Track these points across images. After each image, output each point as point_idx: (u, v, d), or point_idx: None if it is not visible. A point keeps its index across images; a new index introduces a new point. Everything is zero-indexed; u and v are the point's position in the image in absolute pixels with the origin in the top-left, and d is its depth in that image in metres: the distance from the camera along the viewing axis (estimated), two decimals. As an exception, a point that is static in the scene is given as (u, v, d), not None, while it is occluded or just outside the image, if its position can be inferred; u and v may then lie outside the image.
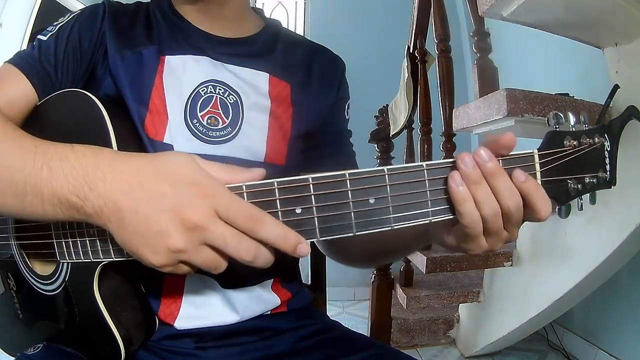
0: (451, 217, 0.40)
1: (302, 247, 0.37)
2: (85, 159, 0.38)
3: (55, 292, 0.53)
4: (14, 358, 0.60)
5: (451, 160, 0.39)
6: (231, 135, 0.58)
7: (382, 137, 1.88)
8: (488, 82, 1.61)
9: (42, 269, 0.55)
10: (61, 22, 0.58)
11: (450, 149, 1.69)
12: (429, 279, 1.87)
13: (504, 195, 0.39)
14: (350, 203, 0.38)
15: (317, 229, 0.38)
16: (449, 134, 1.68)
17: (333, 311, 2.44)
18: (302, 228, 0.38)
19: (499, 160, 0.39)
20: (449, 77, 1.70)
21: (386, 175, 0.38)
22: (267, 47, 0.65)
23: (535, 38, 1.80)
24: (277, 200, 0.38)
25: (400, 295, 1.78)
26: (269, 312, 0.64)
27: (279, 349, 0.61)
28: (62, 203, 0.38)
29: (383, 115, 2.04)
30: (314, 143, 0.67)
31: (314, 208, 0.38)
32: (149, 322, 0.56)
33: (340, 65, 0.71)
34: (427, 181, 0.39)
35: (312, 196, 0.38)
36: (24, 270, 0.57)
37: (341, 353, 0.59)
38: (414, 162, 1.73)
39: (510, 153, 0.40)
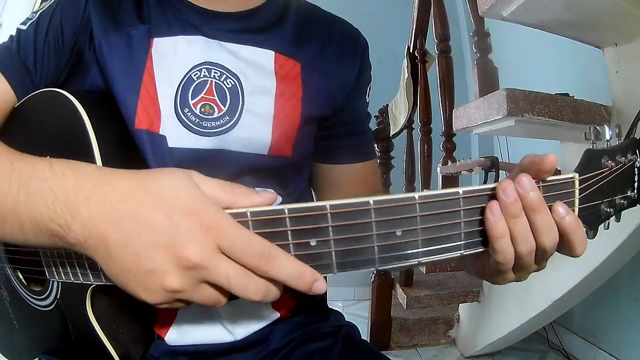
0: (483, 250, 0.36)
1: (318, 285, 0.32)
2: (65, 180, 0.33)
3: (48, 308, 0.50)
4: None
5: (491, 186, 0.35)
6: (229, 125, 0.52)
7: (382, 137, 1.88)
8: (488, 82, 1.61)
9: (33, 283, 0.53)
10: (42, 8, 0.52)
11: (450, 149, 1.70)
12: (429, 279, 1.87)
13: (542, 232, 0.35)
14: (374, 236, 0.33)
15: (334, 264, 0.33)
16: (449, 134, 1.68)
17: (333, 311, 2.44)
18: (316, 263, 0.33)
19: (540, 185, 0.35)
20: (449, 77, 1.70)
21: (417, 205, 0.33)
22: (273, 20, 0.57)
23: (535, 38, 1.80)
24: (289, 231, 0.33)
25: (400, 295, 1.78)
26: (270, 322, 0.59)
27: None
28: (43, 231, 0.34)
29: (383, 115, 2.04)
30: (329, 132, 0.60)
31: (332, 240, 0.33)
32: (146, 335, 0.53)
33: (361, 43, 0.62)
34: (462, 211, 0.34)
35: (330, 227, 0.32)
36: (15, 284, 0.54)
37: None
38: (414, 162, 1.73)
39: (551, 178, 0.36)
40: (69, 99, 0.45)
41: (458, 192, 0.34)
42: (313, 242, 0.33)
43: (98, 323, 0.46)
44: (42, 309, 0.51)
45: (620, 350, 1.56)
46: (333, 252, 0.33)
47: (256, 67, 0.54)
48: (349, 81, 0.59)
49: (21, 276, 0.54)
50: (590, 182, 0.37)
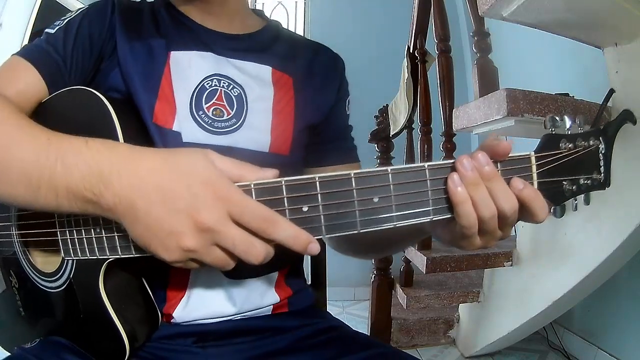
0: (450, 216, 0.41)
1: (312, 246, 0.38)
2: (100, 155, 0.38)
3: (59, 290, 0.53)
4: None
5: (452, 161, 0.40)
6: (236, 126, 0.60)
7: (382, 137, 1.88)
8: (488, 82, 1.61)
9: (46, 266, 0.55)
10: (69, 17, 0.59)
11: (450, 149, 1.69)
12: (429, 279, 1.87)
13: (500, 198, 0.40)
14: (356, 201, 0.39)
15: (323, 227, 0.39)
16: (449, 134, 1.67)
17: (333, 311, 2.43)
18: (308, 225, 0.39)
19: (497, 162, 0.40)
20: (449, 77, 1.69)
21: (389, 175, 0.39)
22: (269, 42, 0.67)
23: (535, 38, 1.80)
24: (285, 198, 0.39)
25: (400, 295, 1.78)
26: (270, 313, 0.64)
27: (279, 346, 0.61)
28: (77, 198, 0.39)
29: (383, 115, 2.04)
30: (317, 138, 0.68)
31: (320, 206, 0.39)
32: (153, 317, 0.57)
33: (340, 63, 0.73)
34: (428, 181, 0.40)
35: (319, 194, 0.39)
36: (27, 268, 0.57)
37: (343, 351, 0.59)
38: (414, 162, 1.74)
39: (509, 156, 0.41)
40: (96, 94, 0.50)
41: (424, 165, 0.40)
42: (305, 208, 0.39)
43: (109, 299, 0.50)
44: (52, 290, 0.54)
45: (620, 350, 1.56)
46: (322, 216, 0.39)
47: (257, 79, 0.63)
48: (332, 95, 0.70)
49: (32, 259, 0.57)
50: (547, 160, 0.41)
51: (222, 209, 0.36)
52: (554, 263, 1.38)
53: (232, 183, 0.38)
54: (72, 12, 0.60)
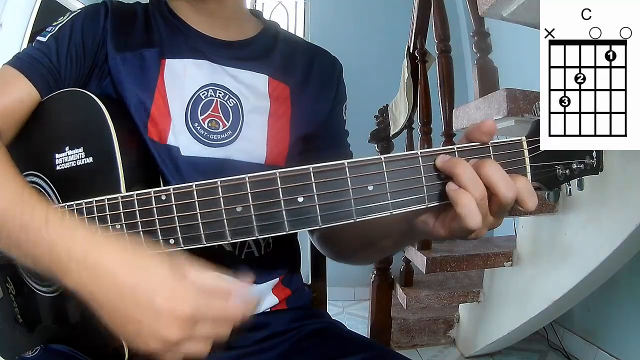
0: (447, 202, 0.40)
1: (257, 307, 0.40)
2: (60, 240, 0.39)
3: (55, 293, 0.53)
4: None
5: (444, 148, 0.40)
6: (232, 138, 0.59)
7: (382, 137, 1.87)
8: (488, 82, 1.61)
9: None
10: (60, 23, 0.57)
11: (450, 149, 1.69)
12: (429, 279, 1.87)
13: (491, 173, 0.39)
14: (350, 190, 0.39)
15: (319, 217, 0.39)
16: (449, 133, 1.67)
17: (333, 311, 2.44)
18: (304, 216, 0.39)
19: (489, 146, 0.41)
20: (449, 77, 1.69)
21: (383, 163, 0.39)
22: (266, 49, 0.65)
23: (535, 38, 1.80)
24: (280, 190, 0.39)
25: (400, 295, 1.78)
26: (268, 310, 0.64)
27: (277, 352, 0.61)
28: (43, 269, 0.39)
29: (383, 115, 2.04)
30: (313, 145, 0.66)
31: (316, 196, 0.39)
32: None
33: (338, 67, 0.71)
34: (422, 167, 0.40)
35: (313, 184, 0.39)
36: (23, 272, 0.57)
37: (340, 353, 0.59)
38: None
39: (500, 140, 0.41)
40: (89, 95, 0.50)
41: (417, 153, 0.40)
42: (300, 199, 0.39)
43: None
44: (48, 295, 0.54)
45: (620, 350, 1.56)
46: (317, 206, 0.39)
47: (253, 89, 0.61)
48: (329, 100, 0.68)
49: None
50: (538, 144, 0.41)
51: (187, 323, 0.36)
52: (554, 263, 1.38)
53: (199, 293, 0.37)
54: (63, 16, 0.58)
